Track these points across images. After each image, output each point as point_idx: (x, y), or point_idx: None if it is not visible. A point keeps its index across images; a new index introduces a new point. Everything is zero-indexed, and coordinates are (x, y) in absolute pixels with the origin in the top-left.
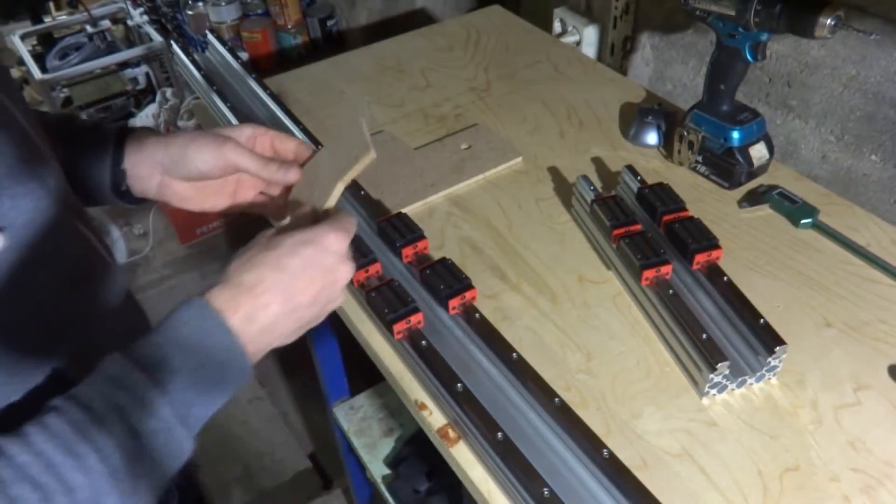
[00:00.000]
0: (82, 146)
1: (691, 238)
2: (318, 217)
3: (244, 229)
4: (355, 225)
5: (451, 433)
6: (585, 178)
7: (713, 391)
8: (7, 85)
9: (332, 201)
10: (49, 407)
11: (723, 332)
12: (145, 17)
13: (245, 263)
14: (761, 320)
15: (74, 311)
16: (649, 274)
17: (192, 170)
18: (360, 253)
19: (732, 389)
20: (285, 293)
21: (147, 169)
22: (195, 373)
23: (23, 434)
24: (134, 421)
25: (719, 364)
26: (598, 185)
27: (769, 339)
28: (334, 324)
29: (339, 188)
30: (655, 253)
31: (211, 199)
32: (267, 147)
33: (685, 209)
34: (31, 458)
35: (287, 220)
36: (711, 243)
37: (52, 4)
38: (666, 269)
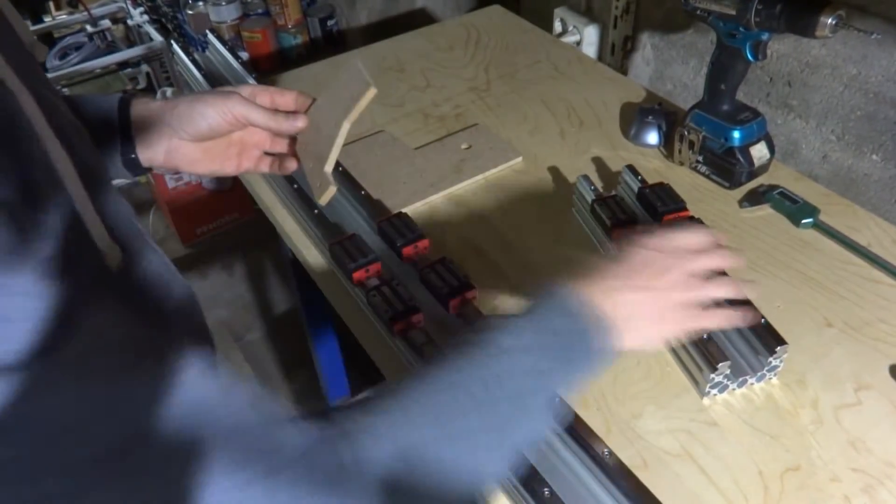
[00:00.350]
0: (87, 120)
1: None
2: (322, 160)
3: (244, 229)
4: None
5: None
6: (586, 177)
7: (714, 391)
8: (45, 81)
9: (339, 141)
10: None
11: (723, 331)
12: (145, 17)
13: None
14: (762, 320)
15: None
16: None
17: (202, 126)
18: (360, 253)
19: (733, 389)
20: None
21: (155, 134)
22: (566, 352)
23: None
24: (519, 384)
25: (720, 364)
26: (599, 184)
27: (770, 339)
28: (334, 324)
29: (346, 128)
30: None
31: (218, 160)
32: (267, 102)
33: (685, 209)
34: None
35: (294, 166)
36: None
37: (52, 4)
38: None
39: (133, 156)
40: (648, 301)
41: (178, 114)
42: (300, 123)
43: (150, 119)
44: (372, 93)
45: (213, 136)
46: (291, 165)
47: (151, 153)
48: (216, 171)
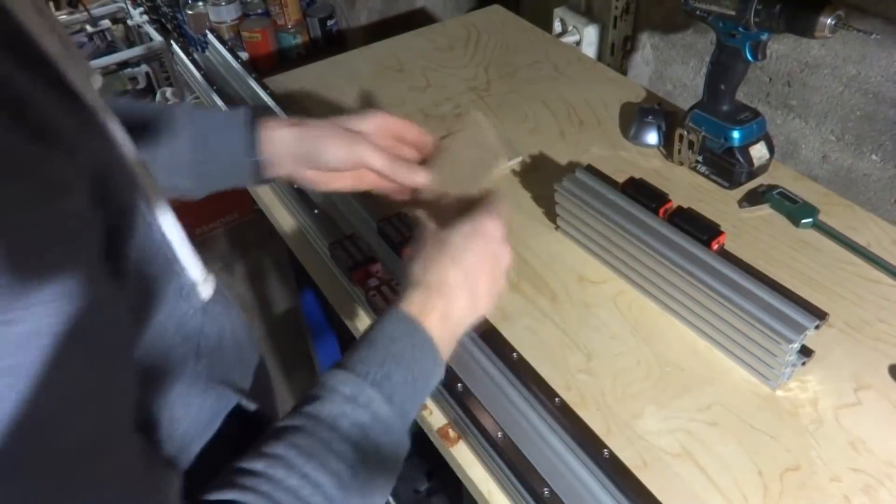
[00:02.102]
0: (216, 136)
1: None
2: (461, 203)
3: (244, 229)
4: (503, 202)
5: (451, 433)
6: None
7: (788, 370)
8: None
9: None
10: (291, 426)
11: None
12: (145, 17)
13: (426, 265)
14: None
15: None
16: (715, 244)
17: (323, 165)
18: (360, 253)
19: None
20: (468, 287)
21: (279, 159)
22: (412, 385)
23: (279, 456)
24: (374, 436)
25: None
26: None
27: (813, 308)
28: (334, 324)
29: (486, 181)
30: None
31: (338, 181)
32: (392, 136)
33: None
34: (299, 481)
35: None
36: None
37: (52, 4)
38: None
39: (259, 173)
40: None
41: (302, 147)
42: (419, 180)
43: (275, 147)
44: (508, 163)
45: (335, 171)
46: (404, 196)
47: (274, 172)
48: (333, 189)
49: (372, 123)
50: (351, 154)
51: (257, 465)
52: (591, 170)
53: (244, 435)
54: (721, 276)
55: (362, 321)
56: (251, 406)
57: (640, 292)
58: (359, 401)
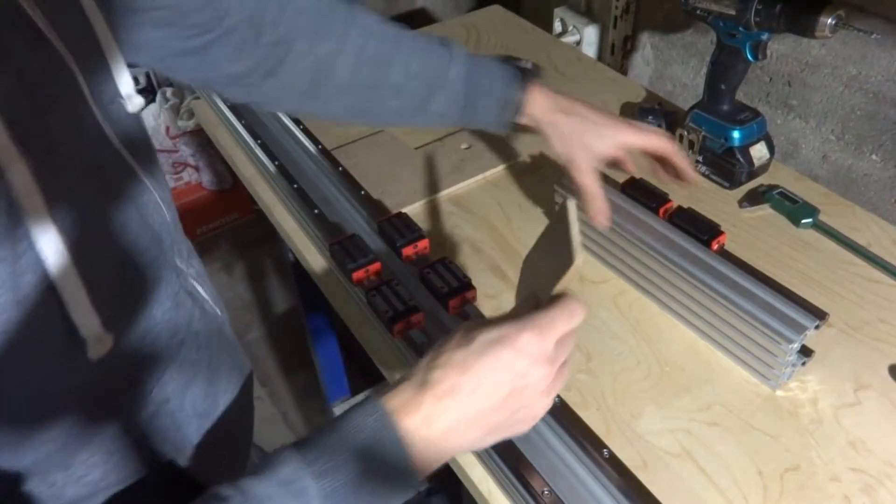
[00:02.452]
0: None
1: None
2: (537, 304)
3: (244, 229)
4: (573, 318)
5: None
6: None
7: (788, 370)
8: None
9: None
10: (222, 496)
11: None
12: None
13: (435, 359)
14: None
15: None
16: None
17: (584, 152)
18: (360, 253)
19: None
20: (468, 397)
21: (544, 115)
22: (361, 487)
23: None
24: None
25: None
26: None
27: (813, 308)
28: (334, 324)
29: (554, 291)
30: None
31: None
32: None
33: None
34: None
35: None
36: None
37: None
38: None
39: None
40: (481, 418)
41: (567, 132)
42: (603, 223)
43: (539, 116)
44: (576, 268)
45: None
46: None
47: (531, 121)
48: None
49: (648, 143)
50: (610, 152)
51: None
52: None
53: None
54: (721, 276)
55: (362, 321)
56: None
57: (640, 292)
58: (291, 488)
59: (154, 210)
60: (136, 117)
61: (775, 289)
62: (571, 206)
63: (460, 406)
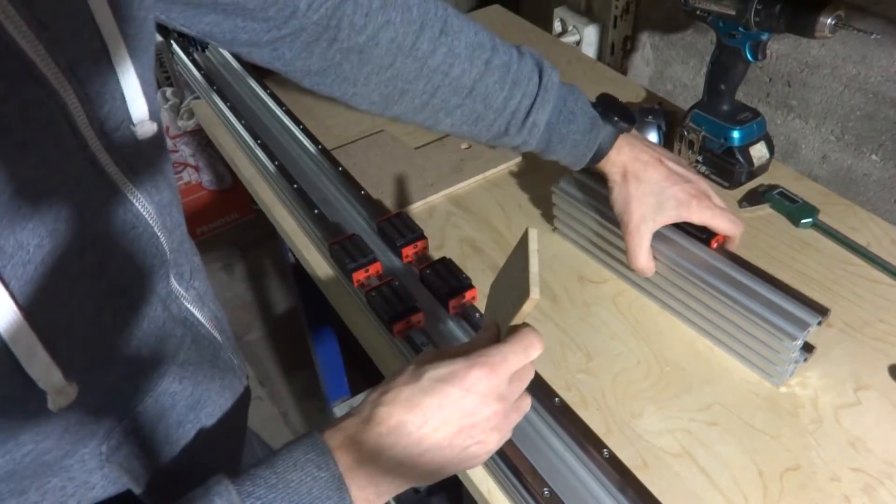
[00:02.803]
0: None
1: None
2: (497, 334)
3: (244, 229)
4: (528, 351)
5: None
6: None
7: (791, 367)
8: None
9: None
10: None
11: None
12: None
13: (382, 395)
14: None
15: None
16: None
17: (637, 208)
18: (360, 253)
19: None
20: (413, 435)
21: (613, 174)
22: None
23: None
24: None
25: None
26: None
27: (815, 304)
28: (334, 324)
29: (512, 322)
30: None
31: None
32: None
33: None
34: None
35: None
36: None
37: None
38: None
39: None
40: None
41: (628, 196)
42: (646, 272)
43: (609, 173)
44: (533, 302)
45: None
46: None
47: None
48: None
49: (720, 222)
50: (675, 217)
51: None
52: (587, 170)
53: None
54: (721, 273)
55: (362, 321)
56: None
57: (639, 292)
58: None
59: (148, 242)
60: (153, 142)
61: (776, 285)
62: (533, 235)
63: (405, 443)
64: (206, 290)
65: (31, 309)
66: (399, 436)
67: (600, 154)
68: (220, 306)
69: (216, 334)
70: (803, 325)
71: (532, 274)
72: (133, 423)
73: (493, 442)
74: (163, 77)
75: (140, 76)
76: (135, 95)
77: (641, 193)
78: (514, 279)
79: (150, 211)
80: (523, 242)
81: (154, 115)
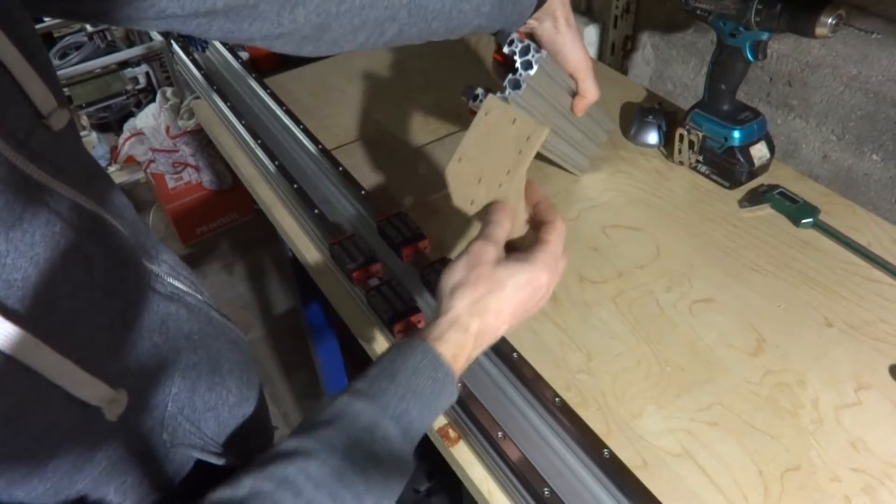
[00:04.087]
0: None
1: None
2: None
3: (244, 229)
4: (563, 236)
5: (451, 433)
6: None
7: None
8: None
9: (516, 187)
10: (301, 451)
11: None
12: None
13: (473, 307)
14: None
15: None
16: None
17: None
18: (360, 253)
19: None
20: (496, 333)
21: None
22: (427, 419)
23: (289, 481)
24: (387, 468)
25: None
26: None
27: None
28: (334, 324)
29: (522, 174)
30: None
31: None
32: None
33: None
34: None
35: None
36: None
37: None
38: None
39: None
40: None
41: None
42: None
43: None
44: (544, 135)
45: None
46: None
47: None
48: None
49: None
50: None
51: (266, 485)
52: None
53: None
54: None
55: (362, 321)
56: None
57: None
58: (375, 434)
59: (112, 236)
60: (68, 136)
61: None
62: (493, 99)
63: (490, 340)
64: (175, 260)
65: (51, 337)
66: (491, 336)
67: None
68: (189, 269)
69: (201, 297)
70: None
71: (527, 118)
72: (176, 407)
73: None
74: (163, 77)
75: (33, 63)
76: (35, 88)
77: (577, 35)
78: (496, 141)
79: (102, 206)
80: (495, 110)
81: (60, 100)
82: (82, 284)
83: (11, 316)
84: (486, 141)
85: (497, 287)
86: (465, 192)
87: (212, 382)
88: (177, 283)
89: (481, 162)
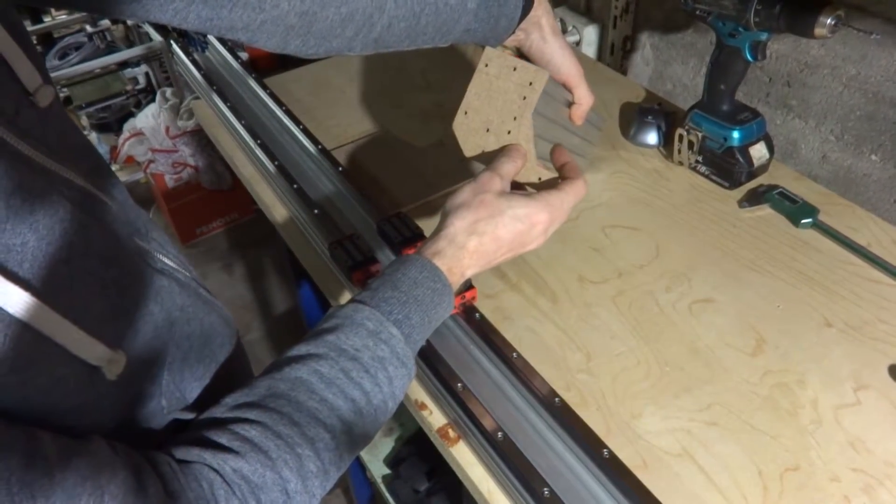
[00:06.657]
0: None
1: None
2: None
3: (244, 229)
4: (580, 195)
5: (451, 433)
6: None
7: None
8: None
9: (524, 132)
10: (312, 354)
11: None
12: None
13: (472, 228)
14: None
15: None
16: None
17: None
18: (360, 253)
19: None
20: (490, 259)
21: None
22: (427, 326)
23: (302, 381)
24: (391, 369)
25: None
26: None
27: None
28: None
29: (528, 119)
30: None
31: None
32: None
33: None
34: (319, 404)
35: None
36: None
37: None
38: None
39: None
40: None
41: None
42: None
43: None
44: (545, 77)
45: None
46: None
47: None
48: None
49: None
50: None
51: (281, 385)
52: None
53: None
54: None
55: None
56: None
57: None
58: (381, 336)
59: (104, 212)
60: (55, 113)
61: None
62: (491, 50)
63: (483, 264)
64: (164, 238)
65: (50, 300)
66: (483, 259)
67: (528, 7)
68: (177, 248)
69: (189, 275)
70: None
71: (527, 64)
72: (172, 378)
73: (538, 242)
74: (163, 77)
75: (17, 39)
76: (21, 64)
77: (565, 43)
78: (498, 91)
79: (89, 183)
80: (495, 61)
81: (45, 76)
82: (79, 252)
83: (11, 277)
84: (489, 92)
85: (497, 213)
86: (475, 142)
87: (201, 354)
88: (166, 260)
89: (487, 112)
